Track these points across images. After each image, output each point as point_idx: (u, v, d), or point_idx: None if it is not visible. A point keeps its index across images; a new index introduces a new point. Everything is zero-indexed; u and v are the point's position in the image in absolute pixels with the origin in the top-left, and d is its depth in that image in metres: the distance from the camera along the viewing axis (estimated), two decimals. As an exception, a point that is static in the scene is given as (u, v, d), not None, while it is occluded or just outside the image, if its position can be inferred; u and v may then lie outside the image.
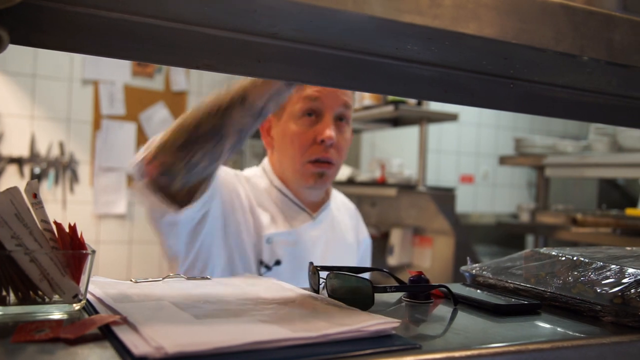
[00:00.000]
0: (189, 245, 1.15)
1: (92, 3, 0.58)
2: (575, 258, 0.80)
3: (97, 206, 3.72)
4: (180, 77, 3.94)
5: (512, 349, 0.57)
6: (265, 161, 1.42)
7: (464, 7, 0.55)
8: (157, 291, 0.72)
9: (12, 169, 3.50)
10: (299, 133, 1.28)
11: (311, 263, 0.80)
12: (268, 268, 1.27)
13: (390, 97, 2.85)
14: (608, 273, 0.74)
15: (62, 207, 3.63)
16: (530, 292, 0.80)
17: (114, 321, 0.54)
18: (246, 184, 1.33)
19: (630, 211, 2.71)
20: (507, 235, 4.25)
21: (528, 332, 0.65)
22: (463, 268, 0.93)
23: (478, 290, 0.82)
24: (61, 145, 3.63)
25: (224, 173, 1.26)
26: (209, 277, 0.85)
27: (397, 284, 0.79)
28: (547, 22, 0.59)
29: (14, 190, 0.61)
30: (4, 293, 0.60)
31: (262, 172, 1.40)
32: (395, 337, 0.56)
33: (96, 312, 0.61)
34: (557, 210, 3.28)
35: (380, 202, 3.20)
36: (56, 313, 0.61)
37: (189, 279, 0.82)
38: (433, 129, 4.35)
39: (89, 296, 0.66)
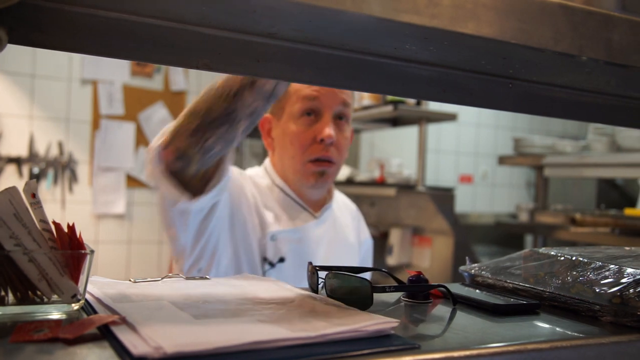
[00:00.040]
0: (197, 236, 1.16)
1: (92, 3, 0.58)
2: (574, 258, 0.80)
3: (96, 206, 3.72)
4: (179, 77, 3.94)
5: (510, 348, 0.57)
6: (267, 161, 1.43)
7: (463, 7, 0.55)
8: (156, 291, 0.72)
9: (10, 169, 3.50)
10: (298, 133, 1.29)
11: (310, 263, 0.80)
12: (272, 265, 1.27)
13: (390, 97, 2.85)
14: (607, 273, 0.74)
15: (61, 207, 3.63)
16: (529, 292, 0.80)
17: (112, 321, 0.54)
18: (251, 183, 1.34)
19: (629, 211, 2.71)
20: (506, 235, 4.25)
21: (527, 332, 0.65)
22: (462, 268, 0.93)
23: (477, 290, 0.82)
24: (60, 145, 3.62)
25: (231, 171, 1.27)
26: (208, 277, 0.84)
27: (396, 284, 0.79)
28: (546, 22, 0.59)
29: (12, 190, 0.61)
30: (2, 293, 0.60)
31: (264, 172, 1.41)
32: (394, 337, 0.56)
33: (95, 312, 0.61)
34: (556, 210, 3.28)
35: (380, 202, 3.20)
36: (55, 313, 0.61)
37: (188, 279, 0.82)
38: (432, 128, 4.35)
39: (87, 296, 0.66)
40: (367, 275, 1.45)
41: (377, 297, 0.77)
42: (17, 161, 3.50)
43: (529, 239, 4.22)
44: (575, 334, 0.64)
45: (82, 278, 0.63)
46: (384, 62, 0.72)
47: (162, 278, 0.81)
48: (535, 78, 0.79)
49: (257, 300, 0.69)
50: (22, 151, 3.53)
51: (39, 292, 0.61)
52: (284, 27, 0.62)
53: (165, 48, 0.64)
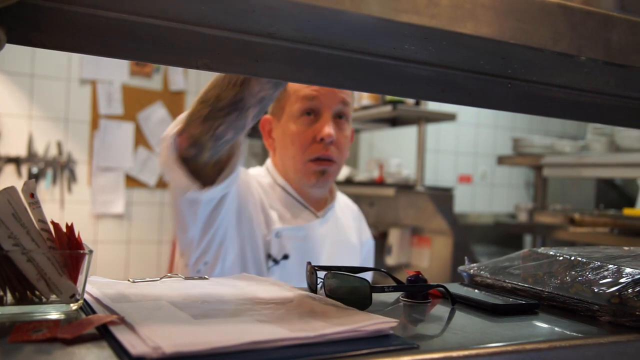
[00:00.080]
0: (205, 228, 1.17)
1: (91, 3, 0.58)
2: (572, 258, 0.80)
3: (94, 206, 3.72)
4: (178, 77, 3.94)
5: (509, 348, 0.57)
6: (269, 162, 1.44)
7: (461, 7, 0.55)
8: (155, 291, 0.72)
9: (9, 169, 3.50)
10: (298, 132, 1.30)
11: (309, 263, 0.80)
12: (275, 262, 1.28)
13: (389, 97, 2.85)
14: (605, 273, 0.74)
15: (60, 206, 3.62)
16: (528, 291, 0.80)
17: (111, 321, 0.54)
18: (255, 181, 1.36)
19: (627, 211, 2.72)
20: (505, 235, 4.25)
21: (526, 331, 0.65)
22: (461, 268, 0.93)
23: (476, 290, 0.82)
24: (59, 145, 3.62)
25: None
26: (206, 277, 0.84)
27: (394, 284, 0.79)
28: (545, 22, 0.59)
29: (11, 190, 0.61)
30: (1, 293, 0.60)
31: (265, 172, 1.42)
32: (393, 337, 0.56)
33: (93, 312, 0.61)
34: (555, 210, 3.28)
35: (379, 202, 3.20)
36: (53, 313, 0.61)
37: (187, 279, 0.82)
38: (431, 129, 4.35)
39: (86, 296, 0.66)
40: (367, 276, 1.46)
41: (376, 297, 0.77)
42: (16, 161, 3.50)
43: (528, 239, 4.23)
44: (574, 333, 0.64)
45: (81, 278, 0.63)
46: (383, 62, 0.72)
47: (161, 278, 0.81)
48: (534, 78, 0.79)
49: (256, 300, 0.69)
50: (21, 151, 3.53)
51: (37, 292, 0.61)
52: (283, 26, 0.62)
53: (165, 48, 0.64)
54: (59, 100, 3.63)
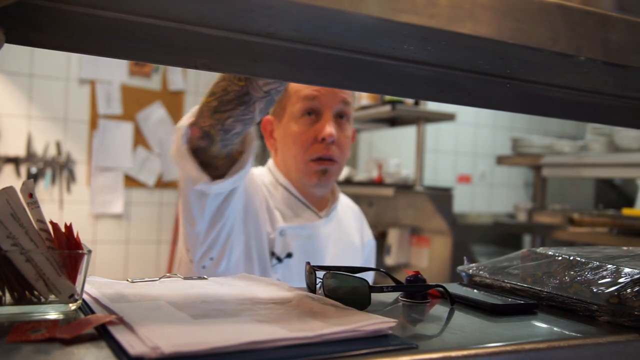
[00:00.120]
0: (212, 221, 1.17)
1: (90, 2, 0.58)
2: (571, 258, 0.80)
3: (93, 206, 3.71)
4: (177, 77, 3.93)
5: (508, 348, 0.57)
6: (270, 162, 1.45)
7: (460, 7, 0.55)
8: (154, 291, 0.72)
9: (8, 169, 3.50)
10: (300, 132, 1.31)
11: (308, 263, 0.80)
12: (279, 260, 1.29)
13: (388, 97, 2.85)
14: (604, 273, 0.74)
15: (59, 206, 3.62)
16: (526, 291, 0.80)
17: (110, 321, 0.54)
18: (259, 180, 1.37)
19: (627, 211, 2.72)
20: (504, 235, 4.25)
21: (525, 331, 0.65)
22: (460, 268, 0.93)
23: (475, 290, 0.82)
24: (58, 145, 3.62)
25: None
26: (205, 277, 0.84)
27: (393, 284, 0.79)
28: (544, 22, 0.59)
29: (9, 190, 0.61)
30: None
31: (267, 172, 1.43)
32: (391, 337, 0.56)
33: (92, 312, 0.61)
34: (554, 210, 3.28)
35: (378, 202, 3.20)
36: (52, 313, 0.61)
37: (185, 278, 0.82)
38: (430, 128, 4.35)
39: (85, 296, 0.66)
40: (368, 276, 1.47)
41: (375, 297, 0.77)
42: (15, 161, 3.50)
43: (527, 239, 4.23)
44: (573, 333, 0.64)
45: (80, 278, 0.63)
46: (382, 62, 0.72)
47: (160, 278, 0.81)
48: (533, 78, 0.79)
49: (255, 300, 0.69)
50: (20, 151, 3.53)
51: (36, 292, 0.61)
52: (282, 26, 0.62)
53: (164, 48, 0.64)
54: (58, 100, 3.62)
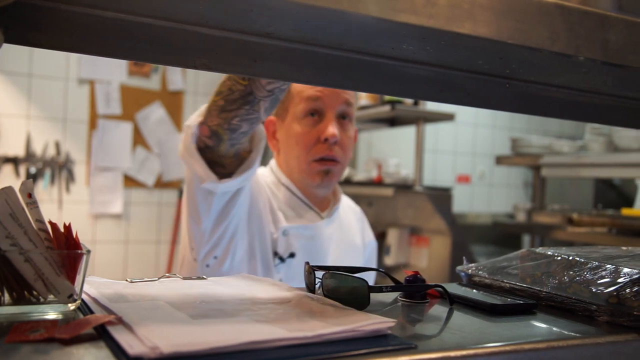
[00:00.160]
0: (218, 220, 1.18)
1: (89, 2, 0.58)
2: (570, 258, 0.80)
3: (93, 206, 3.71)
4: (176, 77, 3.93)
5: (507, 348, 0.57)
6: (273, 162, 1.45)
7: (459, 7, 0.55)
8: (153, 291, 0.72)
9: (7, 169, 3.50)
10: (302, 133, 1.31)
11: (307, 263, 0.80)
12: (282, 260, 1.30)
13: (387, 97, 2.85)
14: (603, 273, 0.74)
15: (58, 206, 3.62)
16: (526, 291, 0.81)
17: (109, 321, 0.54)
18: (263, 181, 1.38)
19: (626, 211, 2.72)
20: (503, 235, 4.25)
21: (524, 331, 0.65)
22: (459, 268, 0.93)
23: (474, 290, 0.82)
24: (57, 145, 3.62)
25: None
26: (204, 277, 0.84)
27: (393, 284, 0.79)
28: (543, 22, 0.59)
29: (8, 190, 0.61)
30: (-2, 293, 0.60)
31: (269, 172, 1.43)
32: (390, 336, 0.56)
33: (91, 312, 0.61)
34: (553, 210, 3.29)
35: (377, 202, 3.20)
36: (51, 313, 0.61)
37: (184, 279, 0.82)
38: (430, 128, 4.35)
39: (84, 296, 0.66)
40: (369, 276, 1.47)
41: (374, 297, 0.77)
42: (14, 161, 3.50)
43: (526, 239, 4.23)
44: (572, 333, 0.64)
45: (79, 278, 0.63)
46: (381, 62, 0.72)
47: (159, 278, 0.81)
48: (532, 78, 0.79)
49: (255, 300, 0.69)
50: (19, 151, 3.52)
51: (35, 292, 0.61)
52: (282, 26, 0.62)
53: (163, 48, 0.64)
54: (57, 100, 3.62)
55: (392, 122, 3.34)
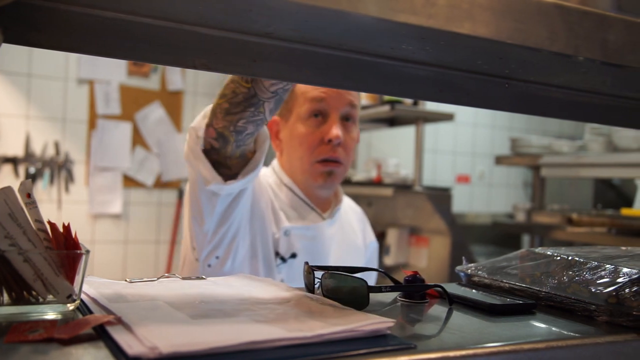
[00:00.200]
0: (221, 221, 1.18)
1: (88, 2, 0.58)
2: (570, 258, 0.80)
3: (92, 206, 3.71)
4: (176, 77, 3.93)
5: (507, 348, 0.57)
6: (275, 162, 1.45)
7: (459, 7, 0.55)
8: (152, 291, 0.72)
9: (7, 169, 3.49)
10: (306, 134, 1.32)
11: (306, 263, 0.80)
12: (283, 260, 1.30)
13: (387, 97, 2.85)
14: (603, 273, 0.74)
15: (58, 206, 3.62)
16: (525, 291, 0.81)
17: (108, 321, 0.54)
18: (265, 181, 1.38)
19: (625, 211, 2.72)
20: (503, 235, 4.25)
21: (523, 331, 0.65)
22: (458, 268, 0.93)
23: (473, 290, 0.82)
24: (56, 145, 3.62)
25: None
26: (204, 277, 0.84)
27: (392, 284, 0.79)
28: (542, 22, 0.59)
29: (7, 190, 0.61)
30: (-3, 293, 0.60)
31: (271, 172, 1.43)
32: (390, 336, 0.56)
33: (90, 312, 0.61)
34: (552, 210, 3.29)
35: (377, 202, 3.20)
36: (50, 313, 0.61)
37: (184, 279, 0.82)
38: (429, 128, 4.35)
39: (83, 296, 0.66)
40: (370, 277, 1.47)
41: (374, 297, 0.77)
42: (14, 161, 3.50)
43: (525, 239, 4.23)
44: (571, 333, 0.64)
45: (78, 278, 0.63)
46: (381, 62, 0.72)
47: (158, 278, 0.81)
48: (532, 78, 0.79)
49: (254, 300, 0.69)
50: (18, 151, 3.52)
51: (34, 292, 0.61)
52: (281, 26, 0.62)
53: (162, 48, 0.64)
54: (56, 100, 3.62)
55: (392, 122, 3.34)
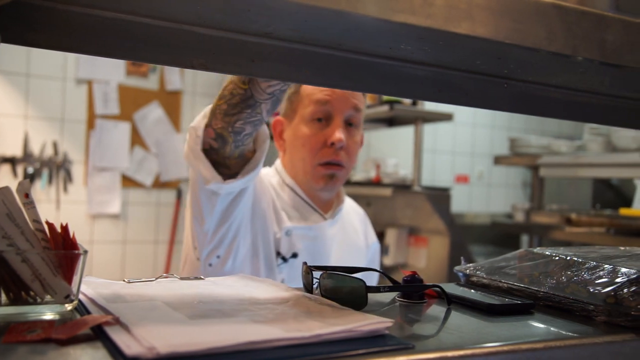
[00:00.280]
0: (221, 220, 1.18)
1: (87, 2, 0.58)
2: (568, 258, 0.80)
3: (91, 206, 3.71)
4: (174, 77, 3.93)
5: (505, 348, 0.57)
6: (278, 162, 1.46)
7: (457, 7, 0.55)
8: (150, 291, 0.71)
9: (5, 169, 3.49)
10: (310, 136, 1.32)
11: (304, 263, 0.80)
12: (284, 260, 1.30)
13: (386, 97, 2.85)
14: (601, 273, 0.74)
15: (56, 207, 3.61)
16: (523, 291, 0.81)
17: (106, 321, 0.54)
18: (267, 181, 1.38)
19: (624, 211, 2.72)
20: (502, 235, 4.26)
21: (521, 331, 0.65)
22: (457, 268, 0.93)
23: (472, 290, 0.82)
24: (55, 145, 3.61)
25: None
26: (202, 277, 0.84)
27: (390, 284, 0.79)
28: (540, 22, 0.59)
29: (5, 190, 0.61)
30: (-5, 293, 0.59)
31: (274, 172, 1.43)
32: (388, 337, 0.56)
33: (88, 312, 0.61)
34: (551, 210, 3.29)
35: (376, 202, 3.20)
36: (48, 313, 0.61)
37: (182, 279, 0.82)
38: (428, 128, 4.35)
39: (81, 296, 0.66)
40: (370, 277, 1.47)
41: (372, 297, 0.77)
42: (12, 161, 3.49)
43: (524, 239, 4.23)
44: (570, 333, 0.64)
45: (76, 278, 0.62)
46: (379, 62, 0.72)
47: (157, 278, 0.81)
48: (530, 78, 0.79)
49: (252, 301, 0.69)
50: (16, 151, 3.52)
51: (32, 293, 0.61)
52: (280, 26, 0.62)
53: (161, 48, 0.64)
54: (55, 100, 3.62)
55: (391, 122, 3.34)
